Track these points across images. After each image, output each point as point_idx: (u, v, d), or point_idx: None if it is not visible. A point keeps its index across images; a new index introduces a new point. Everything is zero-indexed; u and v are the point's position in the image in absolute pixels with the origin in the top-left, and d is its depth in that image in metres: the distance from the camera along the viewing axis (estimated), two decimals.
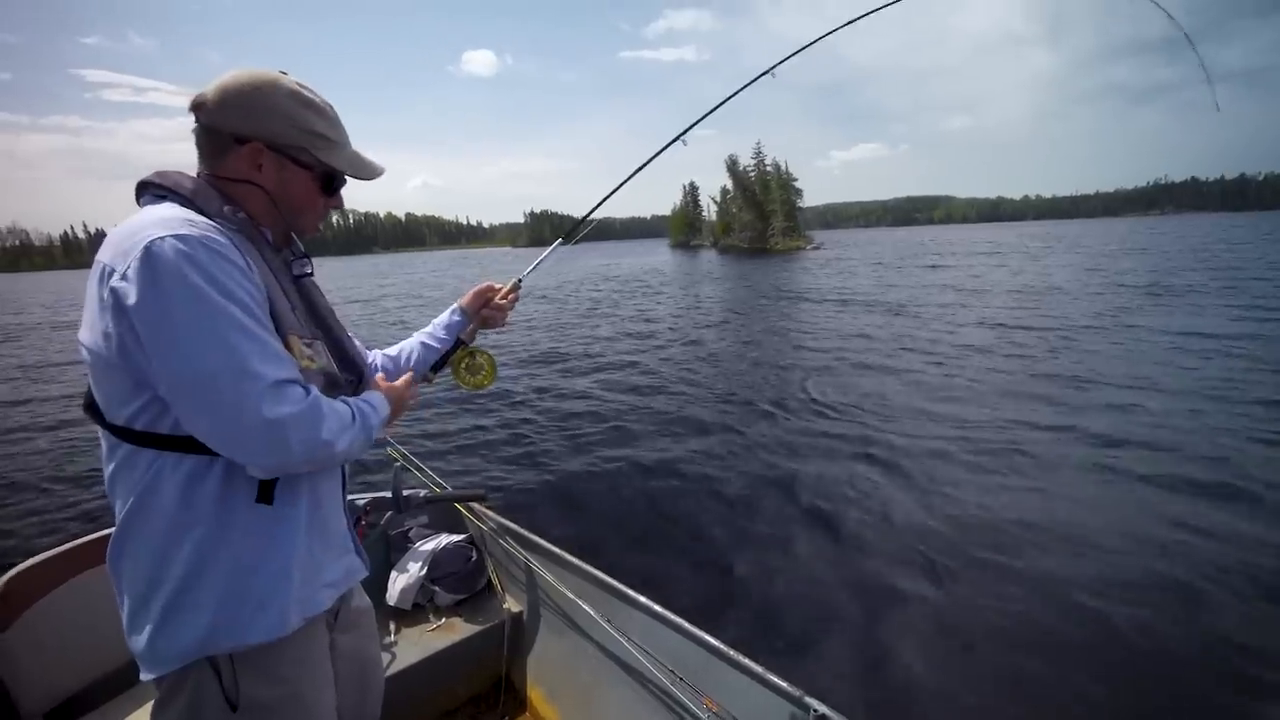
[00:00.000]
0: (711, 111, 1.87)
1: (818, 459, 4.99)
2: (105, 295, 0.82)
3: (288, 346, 0.91)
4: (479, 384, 1.39)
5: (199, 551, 0.87)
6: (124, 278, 0.81)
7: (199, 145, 0.99)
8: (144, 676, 0.91)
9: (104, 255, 0.85)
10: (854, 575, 3.35)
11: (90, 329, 0.85)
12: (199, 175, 0.99)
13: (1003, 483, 4.42)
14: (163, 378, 0.82)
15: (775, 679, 1.42)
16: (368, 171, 1.08)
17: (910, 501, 4.13)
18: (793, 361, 8.82)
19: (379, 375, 1.21)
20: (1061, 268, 23.27)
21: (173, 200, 0.92)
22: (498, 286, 1.44)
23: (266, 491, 0.92)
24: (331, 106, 1.03)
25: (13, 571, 1.63)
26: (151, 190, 0.95)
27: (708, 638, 1.61)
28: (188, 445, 0.86)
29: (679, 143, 1.82)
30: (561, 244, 1.74)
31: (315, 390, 0.90)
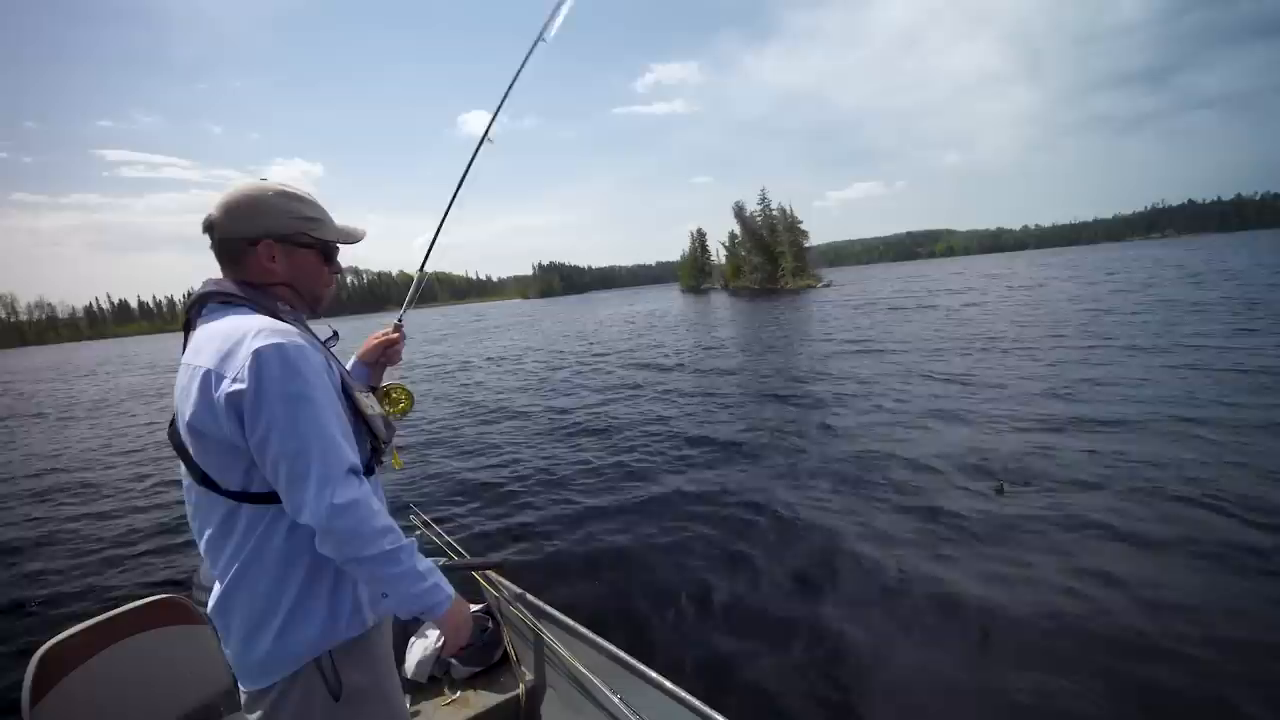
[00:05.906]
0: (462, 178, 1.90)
1: (856, 525, 4.50)
2: (219, 398, 0.98)
3: (355, 402, 1.12)
4: (401, 411, 1.54)
5: (309, 574, 1.07)
6: (237, 380, 0.97)
7: (220, 258, 1.14)
8: (254, 687, 1.06)
9: (205, 361, 1.00)
10: (889, 664, 2.94)
11: (200, 421, 1.01)
12: (234, 281, 1.13)
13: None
14: (267, 459, 0.99)
15: None
16: (353, 237, 1.24)
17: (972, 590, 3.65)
18: (829, 411, 8.28)
19: None
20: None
21: (242, 306, 1.09)
22: (391, 335, 1.55)
23: None
24: (310, 194, 1.18)
25: (49, 643, 1.65)
26: (217, 299, 1.10)
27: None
28: None
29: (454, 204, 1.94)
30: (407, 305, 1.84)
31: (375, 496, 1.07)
